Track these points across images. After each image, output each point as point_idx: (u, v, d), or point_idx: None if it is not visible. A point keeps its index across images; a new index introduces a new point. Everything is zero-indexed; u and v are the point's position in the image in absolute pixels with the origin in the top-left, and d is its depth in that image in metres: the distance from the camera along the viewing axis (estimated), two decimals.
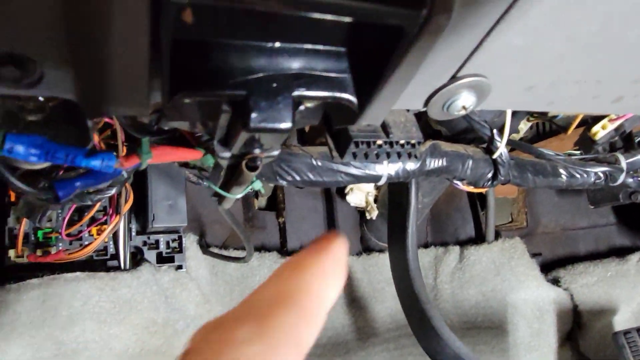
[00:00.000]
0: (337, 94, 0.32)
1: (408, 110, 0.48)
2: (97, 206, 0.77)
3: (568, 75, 0.43)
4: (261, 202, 1.14)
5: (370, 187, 1.07)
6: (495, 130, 0.60)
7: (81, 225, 0.78)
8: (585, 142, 0.72)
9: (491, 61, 0.38)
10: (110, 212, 0.78)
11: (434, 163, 0.58)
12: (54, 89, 0.30)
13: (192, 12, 0.23)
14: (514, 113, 0.77)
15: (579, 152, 0.77)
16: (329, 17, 0.26)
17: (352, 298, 1.06)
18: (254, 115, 0.30)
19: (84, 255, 0.74)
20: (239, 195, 0.45)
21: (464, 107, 0.41)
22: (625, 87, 0.47)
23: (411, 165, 0.56)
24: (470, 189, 0.66)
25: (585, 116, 0.76)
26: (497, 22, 0.33)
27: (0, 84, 0.28)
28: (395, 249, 0.84)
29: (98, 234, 0.80)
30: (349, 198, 1.08)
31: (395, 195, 0.84)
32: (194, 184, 1.00)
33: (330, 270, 0.23)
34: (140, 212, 0.85)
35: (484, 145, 0.62)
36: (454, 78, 0.39)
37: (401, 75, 0.29)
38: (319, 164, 0.53)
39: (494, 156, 0.61)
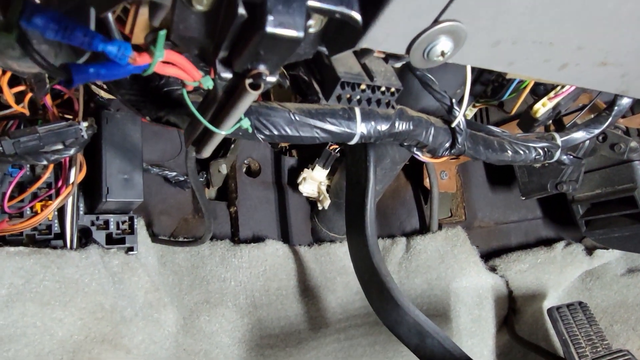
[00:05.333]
0: (345, 10, 0.34)
1: (387, 62, 0.51)
2: (44, 178, 0.72)
3: (528, 33, 0.49)
4: (211, 193, 1.12)
5: (323, 177, 1.09)
6: (454, 100, 0.65)
7: (22, 201, 0.72)
8: (526, 123, 0.79)
9: (469, 6, 0.42)
10: (59, 185, 0.73)
11: (402, 126, 0.61)
12: None
13: None
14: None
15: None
16: None
17: (305, 287, 1.06)
18: (270, 17, 0.31)
19: (29, 227, 0.69)
20: (228, 132, 0.45)
21: (442, 53, 0.45)
22: (571, 53, 0.53)
23: (382, 126, 0.59)
24: (430, 158, 0.70)
25: (524, 103, 0.84)
26: None
27: None
28: (354, 227, 0.86)
29: (42, 211, 0.74)
30: (301, 188, 1.09)
31: (353, 175, 0.87)
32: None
33: None
34: (89, 190, 0.80)
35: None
36: (435, 22, 0.43)
37: None
38: (297, 118, 0.54)
39: (453, 124, 0.66)
